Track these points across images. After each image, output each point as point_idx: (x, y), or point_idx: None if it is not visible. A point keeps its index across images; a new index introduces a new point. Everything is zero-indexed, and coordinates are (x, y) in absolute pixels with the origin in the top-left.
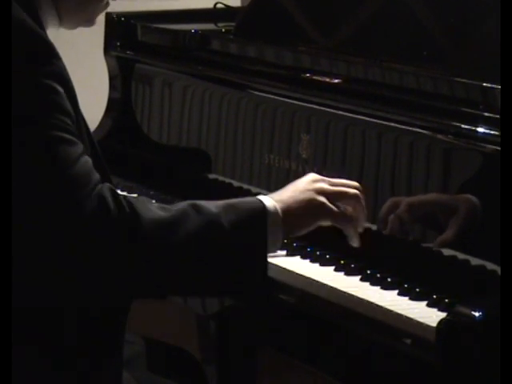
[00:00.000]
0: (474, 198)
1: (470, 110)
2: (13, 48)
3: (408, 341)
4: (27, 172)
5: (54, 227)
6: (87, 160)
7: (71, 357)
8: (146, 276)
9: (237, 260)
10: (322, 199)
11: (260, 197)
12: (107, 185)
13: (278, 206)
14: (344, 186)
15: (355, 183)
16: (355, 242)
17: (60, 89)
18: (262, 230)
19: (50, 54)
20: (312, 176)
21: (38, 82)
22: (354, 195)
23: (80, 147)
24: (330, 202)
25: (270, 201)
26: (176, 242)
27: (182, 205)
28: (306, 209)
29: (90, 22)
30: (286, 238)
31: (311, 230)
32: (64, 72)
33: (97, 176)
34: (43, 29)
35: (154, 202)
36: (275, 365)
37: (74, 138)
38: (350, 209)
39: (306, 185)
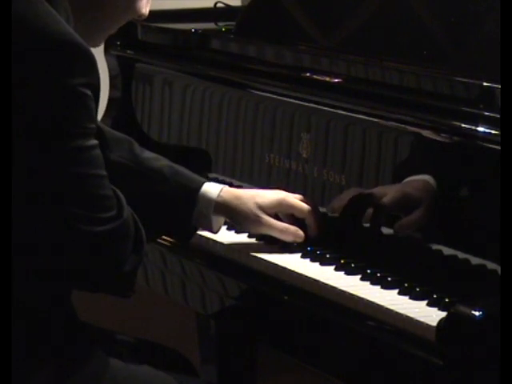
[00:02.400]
0: (432, 183)
1: (470, 110)
2: (57, 58)
3: (408, 340)
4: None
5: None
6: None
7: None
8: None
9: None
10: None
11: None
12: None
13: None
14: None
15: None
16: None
17: (92, 97)
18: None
19: (90, 65)
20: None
21: (78, 92)
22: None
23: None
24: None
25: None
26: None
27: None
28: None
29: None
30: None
31: None
32: (99, 82)
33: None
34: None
35: None
36: (275, 365)
37: (96, 142)
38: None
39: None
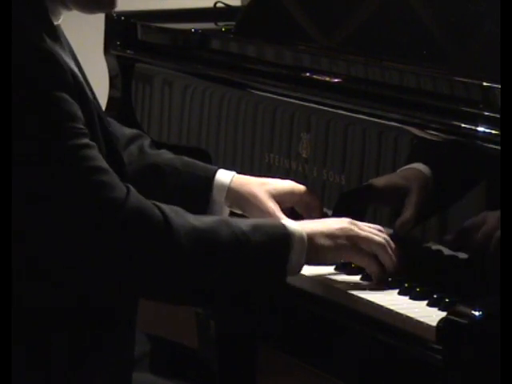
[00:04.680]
0: (424, 170)
1: (469, 109)
2: (15, 63)
3: (408, 340)
4: (49, 187)
5: (89, 236)
6: (106, 165)
7: (79, 353)
8: (169, 281)
9: (255, 279)
10: (347, 241)
11: (288, 222)
12: (134, 191)
13: (305, 234)
14: (372, 232)
15: (381, 240)
16: (378, 282)
17: (66, 96)
18: (284, 255)
19: (52, 65)
20: (344, 218)
21: (41, 95)
22: (380, 242)
23: (97, 149)
24: (356, 245)
25: (298, 227)
26: (204, 253)
27: (214, 218)
28: (326, 244)
29: (108, 5)
30: (307, 264)
31: None
32: (68, 79)
33: (119, 182)
34: (51, 22)
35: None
36: (275, 365)
37: (89, 141)
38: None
39: (337, 223)
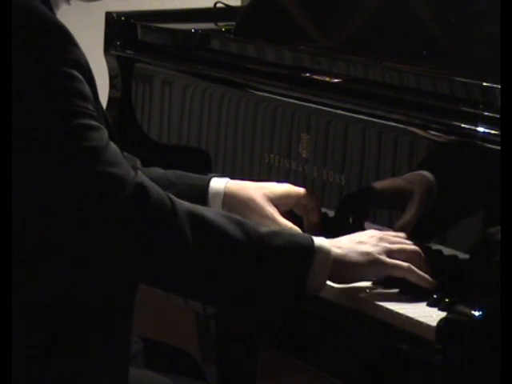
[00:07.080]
0: (429, 176)
1: (470, 110)
2: (26, 36)
3: (408, 340)
4: (54, 165)
5: (92, 219)
6: (115, 147)
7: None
8: (168, 264)
9: (269, 284)
10: (380, 256)
11: (317, 238)
12: (142, 174)
13: (333, 251)
14: (402, 242)
15: (414, 247)
16: (425, 285)
17: (78, 75)
18: (306, 266)
19: (66, 41)
20: (373, 231)
21: (54, 70)
22: (413, 250)
23: (105, 133)
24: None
25: (325, 243)
26: (210, 244)
27: (230, 215)
28: (360, 260)
29: None
30: (335, 282)
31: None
32: (82, 59)
33: (128, 164)
34: (52, 11)
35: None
36: (275, 365)
37: (98, 124)
38: None
39: (366, 238)
